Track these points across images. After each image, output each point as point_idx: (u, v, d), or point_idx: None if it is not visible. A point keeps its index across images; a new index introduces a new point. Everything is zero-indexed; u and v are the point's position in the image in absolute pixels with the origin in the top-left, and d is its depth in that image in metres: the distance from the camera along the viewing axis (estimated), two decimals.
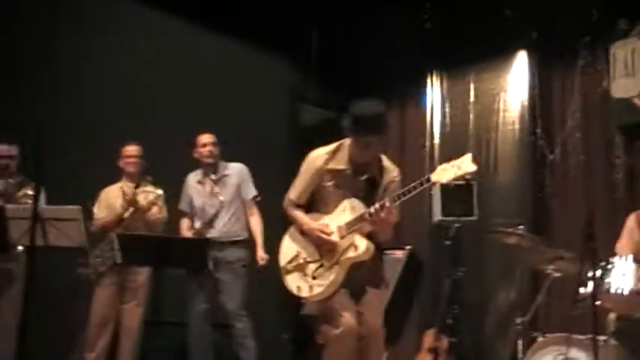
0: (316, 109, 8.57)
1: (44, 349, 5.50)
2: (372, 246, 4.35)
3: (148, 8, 7.17)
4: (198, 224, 6.20)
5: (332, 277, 4.38)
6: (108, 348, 6.17)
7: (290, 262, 4.54)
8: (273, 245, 6.42)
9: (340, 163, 4.52)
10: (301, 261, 4.51)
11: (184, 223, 6.35)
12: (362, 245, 4.34)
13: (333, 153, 4.56)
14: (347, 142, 4.54)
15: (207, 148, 6.22)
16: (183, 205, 6.38)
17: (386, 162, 4.58)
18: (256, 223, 6.25)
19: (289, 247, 4.60)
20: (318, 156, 4.59)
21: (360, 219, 4.34)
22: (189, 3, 7.29)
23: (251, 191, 6.28)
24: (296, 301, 4.82)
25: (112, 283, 6.13)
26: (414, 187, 4.22)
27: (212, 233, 6.09)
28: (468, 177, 6.64)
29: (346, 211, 4.45)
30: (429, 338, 6.73)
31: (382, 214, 4.22)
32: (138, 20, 7.17)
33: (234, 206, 6.22)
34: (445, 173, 4.17)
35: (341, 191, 4.51)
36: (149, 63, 7.17)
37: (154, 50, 7.24)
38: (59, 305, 6.09)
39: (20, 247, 5.54)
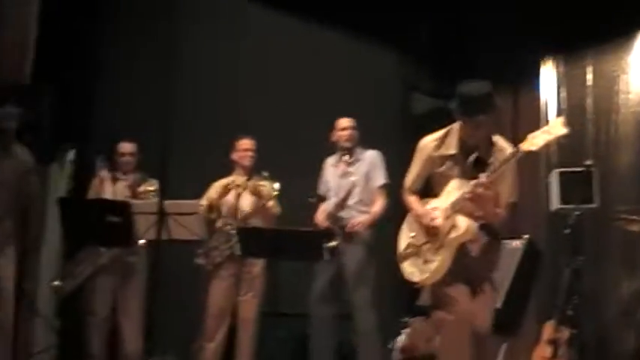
0: (427, 98, 8.49)
1: (169, 339, 5.69)
2: (473, 225, 4.34)
3: (261, 5, 7.30)
4: (331, 205, 6.23)
5: (439, 259, 4.38)
6: (226, 339, 6.28)
7: (405, 248, 4.57)
8: (382, 232, 6.47)
9: (450, 148, 4.50)
10: (414, 247, 4.53)
11: (322, 207, 6.36)
12: (462, 225, 4.33)
13: (443, 139, 4.56)
14: (455, 126, 4.51)
15: (347, 132, 6.28)
16: (320, 189, 6.43)
17: (499, 142, 4.50)
18: (377, 207, 6.22)
19: (405, 234, 4.64)
20: (427, 143, 4.61)
21: (461, 198, 4.32)
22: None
23: (379, 179, 6.25)
24: (410, 291, 4.83)
25: (229, 275, 6.20)
26: (506, 160, 4.19)
27: (343, 214, 6.13)
28: (587, 163, 6.63)
29: (452, 192, 4.43)
30: (548, 329, 6.54)
31: (479, 191, 4.19)
32: (254, 18, 7.35)
33: (363, 192, 6.22)
34: (535, 140, 4.08)
35: (453, 176, 4.49)
36: (264, 58, 7.34)
37: (269, 45, 7.40)
38: (180, 296, 6.28)
39: (142, 241, 5.70)
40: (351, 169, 6.22)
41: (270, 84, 7.36)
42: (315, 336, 6.16)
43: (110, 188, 6.28)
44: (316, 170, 6.52)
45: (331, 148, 6.46)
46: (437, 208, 4.47)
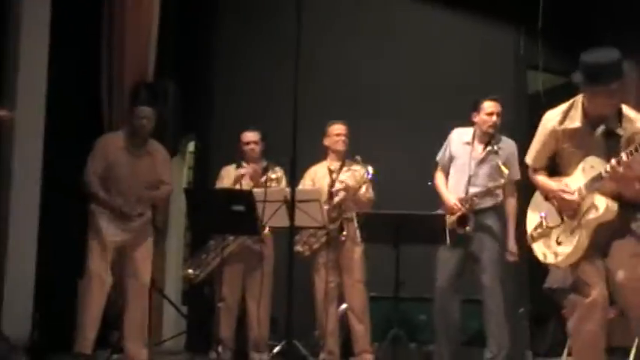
0: (544, 75, 8.27)
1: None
2: (614, 205, 4.10)
3: None
4: (462, 185, 5.97)
5: (575, 240, 4.20)
6: (340, 322, 6.36)
7: (535, 229, 4.41)
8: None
9: (574, 121, 4.26)
10: (545, 227, 4.36)
11: (440, 177, 6.14)
12: (602, 205, 4.11)
13: (566, 112, 4.32)
14: (579, 98, 4.29)
15: (493, 118, 5.98)
16: (441, 159, 6.15)
17: (628, 112, 4.23)
18: (512, 207, 5.96)
19: (534, 214, 4.46)
20: (550, 117, 4.38)
21: (598, 178, 4.11)
22: None
23: (514, 173, 5.90)
24: (537, 273, 4.70)
25: (328, 260, 6.22)
26: None
27: (472, 189, 5.90)
28: None
29: (586, 171, 4.21)
30: None
31: (620, 170, 3.98)
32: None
33: (496, 177, 5.90)
34: None
35: (581, 151, 4.27)
36: (377, 39, 7.33)
37: (381, 25, 7.39)
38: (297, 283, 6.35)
39: (267, 229, 5.79)
40: (491, 157, 5.90)
41: (382, 65, 7.33)
42: (438, 320, 6.02)
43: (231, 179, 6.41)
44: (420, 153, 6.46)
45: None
46: (568, 185, 4.27)
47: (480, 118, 5.98)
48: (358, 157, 6.17)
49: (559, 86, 8.15)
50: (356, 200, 6.22)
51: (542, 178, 4.43)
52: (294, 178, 4.44)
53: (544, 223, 4.37)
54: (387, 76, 7.34)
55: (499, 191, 5.93)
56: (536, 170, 4.47)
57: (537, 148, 4.46)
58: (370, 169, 6.07)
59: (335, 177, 6.30)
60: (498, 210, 5.96)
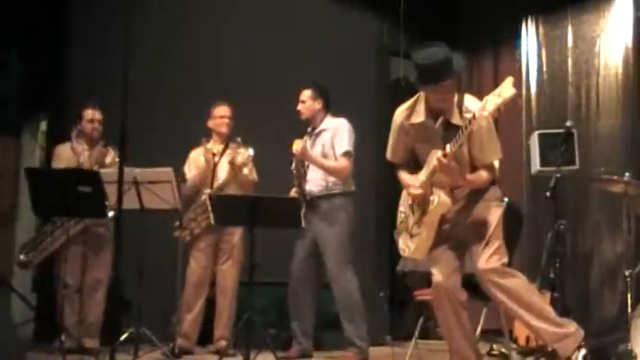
0: (406, 62, 8.46)
1: (147, 311, 5.66)
2: (446, 198, 4.22)
3: None
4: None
5: (420, 233, 4.36)
6: (205, 308, 6.28)
7: (400, 223, 4.54)
8: (363, 199, 6.40)
9: (419, 116, 4.38)
10: (405, 221, 4.50)
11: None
12: (435, 199, 4.25)
13: (412, 107, 4.44)
14: (423, 93, 4.41)
15: (301, 105, 6.10)
16: None
17: (469, 102, 4.33)
18: (333, 169, 5.95)
19: (400, 209, 4.59)
20: (399, 113, 4.51)
21: (432, 171, 4.24)
22: None
23: (341, 146, 5.98)
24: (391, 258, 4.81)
25: (208, 245, 6.20)
26: (465, 127, 4.04)
27: (308, 185, 5.99)
28: (568, 125, 6.63)
29: (429, 164, 4.32)
30: None
31: (445, 161, 4.08)
32: None
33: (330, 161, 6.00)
34: (487, 105, 3.91)
35: (428, 145, 4.38)
36: (241, 23, 7.28)
37: (247, 10, 7.34)
38: (158, 268, 6.22)
39: (111, 212, 5.60)
40: (310, 142, 6.02)
41: (247, 50, 7.28)
42: (295, 302, 6.11)
43: (69, 159, 6.16)
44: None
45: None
46: (417, 179, 4.42)
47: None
48: (239, 139, 6.16)
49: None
50: (239, 182, 6.21)
51: (401, 173, 4.56)
52: (122, 159, 4.22)
53: (404, 217, 4.51)
54: (252, 63, 7.31)
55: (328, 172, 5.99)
56: (397, 166, 4.59)
57: (392, 143, 4.59)
58: (251, 150, 6.09)
59: (218, 160, 6.24)
60: (348, 195, 6.01)
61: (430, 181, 4.27)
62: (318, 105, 6.07)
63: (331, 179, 5.92)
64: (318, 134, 6.06)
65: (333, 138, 5.99)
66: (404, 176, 4.53)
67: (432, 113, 4.33)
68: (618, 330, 5.85)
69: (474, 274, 4.83)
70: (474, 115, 3.94)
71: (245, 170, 6.17)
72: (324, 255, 5.95)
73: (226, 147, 6.27)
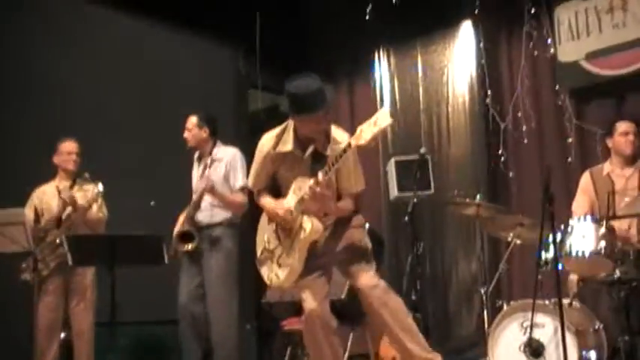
0: (264, 94, 8.64)
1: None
2: (319, 225, 4.26)
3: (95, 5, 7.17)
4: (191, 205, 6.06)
5: (290, 261, 4.34)
6: (59, 354, 6.07)
7: (262, 253, 4.50)
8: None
9: (286, 145, 4.42)
10: (268, 251, 4.47)
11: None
12: (307, 226, 4.27)
13: (280, 135, 4.48)
14: (291, 122, 4.46)
15: (190, 133, 6.06)
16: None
17: (335, 133, 4.42)
18: (232, 204, 5.96)
19: (259, 238, 4.54)
20: (265, 141, 4.52)
21: (302, 199, 4.28)
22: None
23: (238, 180, 5.95)
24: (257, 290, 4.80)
25: (57, 287, 5.97)
26: (340, 156, 4.10)
27: (198, 216, 5.94)
28: (422, 151, 6.82)
29: (295, 192, 4.37)
30: None
31: (318, 190, 4.13)
32: (83, 14, 7.13)
33: (224, 191, 5.96)
34: (364, 134, 3.99)
35: (293, 173, 4.43)
36: (95, 56, 7.08)
37: (101, 43, 7.15)
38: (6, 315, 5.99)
39: None
40: (208, 171, 5.96)
41: (101, 83, 7.08)
42: (189, 337, 5.98)
43: None
44: (151, 171, 6.38)
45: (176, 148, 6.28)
46: (286, 208, 4.39)
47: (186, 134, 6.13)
48: (87, 175, 5.98)
49: (277, 104, 8.45)
50: (87, 220, 6.03)
51: (264, 198, 4.54)
52: None
53: (268, 247, 4.47)
54: (111, 95, 7.13)
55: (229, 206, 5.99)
56: (258, 192, 4.57)
57: (256, 171, 4.58)
58: (100, 185, 5.90)
59: (64, 196, 6.01)
60: (231, 224, 6.00)
61: (299, 209, 4.29)
62: (204, 133, 6.04)
63: (217, 210, 5.91)
64: (212, 164, 5.98)
65: (229, 171, 5.98)
66: (267, 200, 4.50)
67: (300, 143, 4.38)
68: (477, 346, 6.07)
69: (341, 299, 4.94)
70: (350, 144, 4.00)
71: (94, 208, 6.02)
72: (207, 287, 5.88)
73: (74, 183, 6.10)
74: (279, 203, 4.41)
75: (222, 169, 5.98)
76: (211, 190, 5.83)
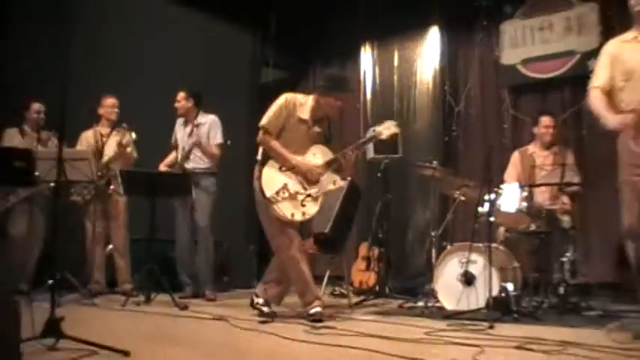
0: (274, 71, 8.60)
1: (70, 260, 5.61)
2: (341, 181, 4.73)
3: None
4: (179, 156, 6.19)
5: (316, 204, 4.57)
6: (106, 259, 6.26)
7: (277, 193, 4.51)
8: (238, 177, 6.52)
9: (304, 113, 4.58)
10: (290, 192, 4.53)
11: (172, 155, 6.33)
12: (339, 180, 4.64)
13: (302, 104, 4.60)
14: (311, 98, 4.62)
15: (177, 104, 6.22)
16: (173, 140, 6.34)
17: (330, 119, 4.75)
18: (212, 155, 6.11)
19: (274, 181, 4.54)
20: (291, 99, 4.60)
21: (335, 160, 4.55)
22: None
23: (216, 138, 6.13)
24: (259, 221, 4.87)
25: (98, 210, 6.09)
26: (365, 142, 4.78)
27: (189, 164, 6.10)
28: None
29: (317, 154, 4.60)
30: (363, 249, 6.95)
31: (348, 155, 4.54)
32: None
33: (205, 148, 6.11)
34: (384, 132, 4.66)
35: (294, 136, 4.57)
36: (137, 32, 7.02)
37: (142, 22, 7.10)
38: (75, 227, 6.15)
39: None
40: (194, 131, 6.12)
41: (139, 55, 7.03)
42: (183, 257, 6.22)
43: (20, 140, 6.09)
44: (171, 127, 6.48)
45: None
46: (316, 164, 4.59)
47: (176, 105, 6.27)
48: (124, 124, 6.11)
49: (283, 79, 8.46)
50: (123, 160, 6.16)
51: (279, 146, 4.56)
52: (61, 141, 4.15)
53: (287, 189, 4.54)
54: (150, 62, 7.07)
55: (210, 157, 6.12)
56: (270, 135, 4.56)
57: (274, 116, 4.58)
58: (134, 134, 6.05)
59: (105, 140, 6.19)
60: (212, 171, 6.14)
61: (329, 168, 4.58)
62: (189, 103, 6.17)
63: (207, 161, 6.07)
64: (197, 126, 6.12)
65: (209, 132, 6.12)
66: (287, 153, 4.53)
67: (313, 115, 4.58)
68: (426, 275, 6.14)
69: (325, 232, 5.15)
70: (374, 136, 4.69)
71: (128, 149, 6.14)
72: (197, 217, 6.06)
73: (112, 130, 6.24)
74: (310, 165, 4.55)
75: (205, 130, 6.12)
76: (199, 144, 6.01)
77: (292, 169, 4.55)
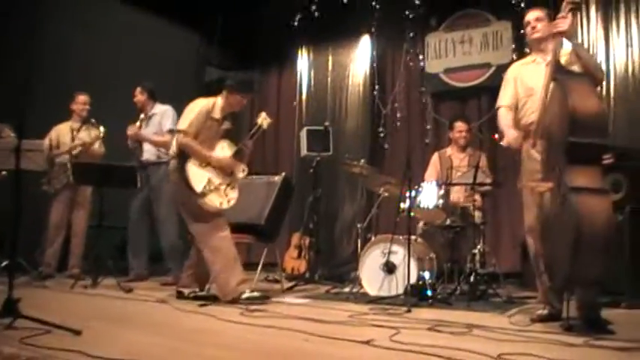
0: (217, 70, 8.64)
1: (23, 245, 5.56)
2: (245, 167, 4.87)
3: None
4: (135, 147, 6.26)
5: (236, 192, 4.78)
6: (63, 246, 6.28)
7: (205, 187, 4.66)
8: None
9: (216, 114, 4.80)
10: (215, 184, 4.70)
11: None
12: (246, 168, 4.84)
13: (214, 105, 4.80)
14: (220, 99, 4.83)
15: (135, 99, 6.30)
16: None
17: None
18: (161, 143, 6.13)
19: (199, 177, 4.67)
20: (205, 104, 4.77)
21: (240, 150, 4.78)
22: None
23: (166, 126, 6.17)
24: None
25: (66, 198, 6.23)
26: (256, 131, 4.87)
27: (143, 155, 6.19)
28: (325, 124, 7.08)
29: (225, 148, 4.81)
30: (296, 238, 7.07)
31: (249, 145, 4.85)
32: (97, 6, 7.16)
33: (159, 135, 6.18)
34: (264, 122, 4.87)
35: (208, 134, 4.76)
36: (95, 36, 7.07)
37: (102, 26, 7.17)
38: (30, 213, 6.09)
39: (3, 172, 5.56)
40: (145, 123, 6.24)
41: (107, 57, 7.13)
42: (134, 242, 6.28)
43: None
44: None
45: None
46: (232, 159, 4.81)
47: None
48: (93, 120, 6.25)
49: (225, 78, 8.31)
50: (91, 154, 6.23)
51: (198, 146, 4.71)
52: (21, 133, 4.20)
53: (212, 182, 4.70)
54: (111, 65, 7.14)
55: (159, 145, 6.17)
56: (189, 137, 4.70)
57: (195, 122, 4.71)
58: (102, 129, 6.18)
59: (75, 134, 6.27)
60: (164, 160, 6.07)
61: (236, 158, 4.77)
62: (143, 97, 6.27)
63: (162, 151, 6.09)
64: (151, 117, 6.22)
65: (161, 120, 6.20)
66: (205, 151, 4.69)
67: (222, 114, 4.81)
68: (352, 263, 6.28)
69: (260, 224, 5.29)
70: (261, 125, 4.86)
71: (96, 144, 6.21)
72: (155, 208, 6.12)
73: (82, 125, 6.30)
74: (232, 161, 4.77)
75: (157, 120, 6.22)
76: (135, 136, 6.12)
77: (210, 165, 4.73)
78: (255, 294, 4.71)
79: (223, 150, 4.82)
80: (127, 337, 3.40)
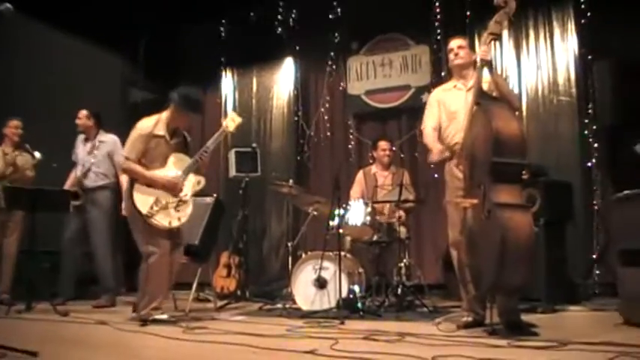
0: (141, 92, 8.70)
1: None
2: (201, 178, 4.88)
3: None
4: (79, 172, 6.24)
5: (186, 209, 4.79)
6: None
7: (152, 207, 4.66)
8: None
9: (160, 130, 4.77)
10: (162, 204, 4.69)
11: (73, 173, 6.34)
12: (202, 180, 4.86)
13: (156, 123, 4.78)
14: (164, 115, 4.80)
15: (81, 122, 6.27)
16: (73, 156, 6.38)
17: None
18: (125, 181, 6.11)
19: (145, 198, 4.67)
20: (146, 123, 4.77)
21: (195, 163, 4.77)
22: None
23: (122, 151, 6.06)
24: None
25: None
26: (217, 139, 4.86)
27: (87, 182, 6.17)
28: (253, 145, 7.20)
29: (177, 162, 4.77)
30: (224, 257, 7.11)
31: (204, 157, 4.80)
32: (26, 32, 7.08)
33: (104, 166, 6.23)
34: (229, 124, 4.89)
35: (157, 152, 4.75)
36: (30, 58, 7.08)
37: (33, 53, 7.17)
38: None
39: None
40: (94, 150, 6.24)
41: (37, 81, 7.07)
42: (65, 266, 6.24)
43: None
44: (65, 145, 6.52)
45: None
46: (177, 177, 4.75)
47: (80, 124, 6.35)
48: (27, 145, 6.20)
49: (150, 99, 8.53)
50: (22, 178, 6.19)
51: (141, 169, 4.73)
52: None
53: (159, 201, 4.71)
54: (41, 89, 7.12)
55: (110, 173, 6.23)
56: (132, 161, 4.73)
57: (135, 145, 4.74)
58: (37, 154, 6.14)
59: (8, 159, 6.23)
60: (110, 187, 6.24)
61: (189, 172, 4.78)
62: (90, 122, 6.28)
63: (107, 179, 6.17)
64: (98, 145, 6.22)
65: (113, 154, 6.19)
66: (148, 172, 4.67)
67: (168, 130, 4.80)
68: (282, 280, 6.47)
69: (195, 244, 5.36)
70: (224, 130, 4.85)
71: (28, 170, 6.20)
72: (91, 234, 6.12)
73: (15, 150, 6.26)
74: (173, 180, 4.70)
75: (106, 149, 6.24)
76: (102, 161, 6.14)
77: (152, 186, 4.72)
78: (164, 316, 4.76)
79: (175, 165, 4.77)
80: (84, 358, 3.47)
